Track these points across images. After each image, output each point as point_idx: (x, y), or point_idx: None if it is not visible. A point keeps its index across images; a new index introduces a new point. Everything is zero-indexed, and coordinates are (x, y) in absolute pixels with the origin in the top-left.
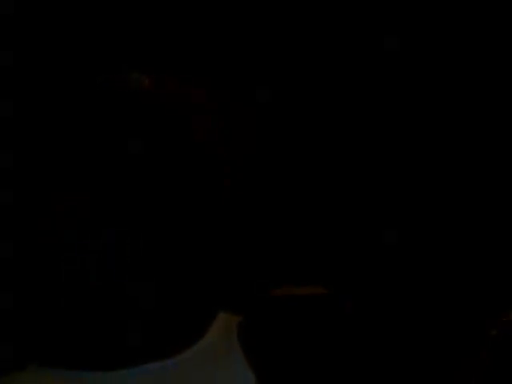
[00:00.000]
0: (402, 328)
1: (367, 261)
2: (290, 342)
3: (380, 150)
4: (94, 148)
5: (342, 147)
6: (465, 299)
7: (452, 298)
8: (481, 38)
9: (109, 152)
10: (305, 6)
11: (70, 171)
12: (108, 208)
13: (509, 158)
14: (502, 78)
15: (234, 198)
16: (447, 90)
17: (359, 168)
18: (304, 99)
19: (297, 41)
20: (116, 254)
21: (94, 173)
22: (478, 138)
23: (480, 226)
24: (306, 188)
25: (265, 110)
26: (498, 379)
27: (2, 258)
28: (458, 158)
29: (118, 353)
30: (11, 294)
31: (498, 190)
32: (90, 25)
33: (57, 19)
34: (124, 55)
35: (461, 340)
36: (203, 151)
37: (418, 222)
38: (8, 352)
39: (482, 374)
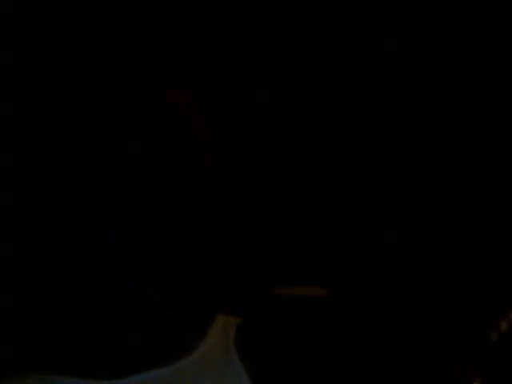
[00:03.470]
0: (402, 328)
1: (367, 259)
2: (289, 342)
3: (380, 148)
4: (93, 143)
5: (342, 146)
6: (466, 299)
7: (453, 298)
8: (481, 37)
9: (109, 148)
10: (304, 5)
11: (69, 171)
12: (108, 206)
13: (509, 156)
14: (503, 78)
15: (234, 198)
16: (447, 90)
17: (359, 167)
18: (304, 99)
19: (296, 40)
20: (117, 254)
21: (93, 170)
22: (478, 136)
23: (481, 225)
24: (305, 187)
25: (265, 109)
26: (498, 380)
27: (2, 258)
28: (459, 156)
29: (120, 360)
30: (11, 298)
31: (498, 188)
32: (88, 25)
33: (55, 19)
34: (122, 54)
35: (461, 340)
36: (198, 150)
37: (418, 220)
38: (8, 359)
39: (482, 375)
